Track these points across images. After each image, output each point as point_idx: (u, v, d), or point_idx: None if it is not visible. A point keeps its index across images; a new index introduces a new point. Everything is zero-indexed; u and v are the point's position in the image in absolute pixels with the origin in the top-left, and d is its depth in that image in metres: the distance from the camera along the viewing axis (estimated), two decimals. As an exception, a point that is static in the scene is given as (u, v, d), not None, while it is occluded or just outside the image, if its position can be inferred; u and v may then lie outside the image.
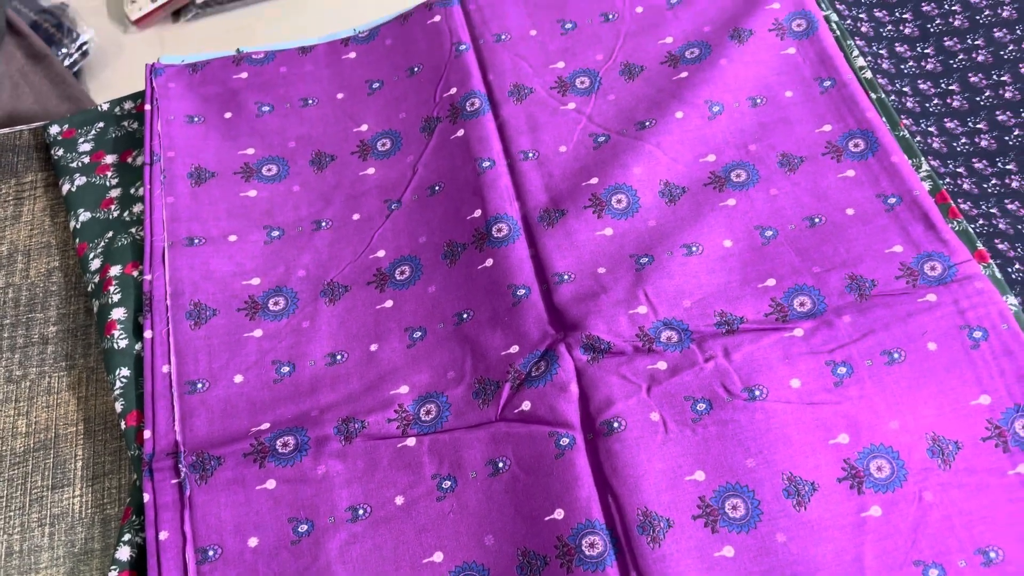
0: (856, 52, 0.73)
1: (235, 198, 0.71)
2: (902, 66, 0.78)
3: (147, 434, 0.59)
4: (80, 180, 0.74)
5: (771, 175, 0.67)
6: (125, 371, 0.62)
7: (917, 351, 0.57)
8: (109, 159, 0.75)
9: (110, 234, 0.70)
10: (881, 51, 0.79)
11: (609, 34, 0.77)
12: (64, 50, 1.37)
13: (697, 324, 0.60)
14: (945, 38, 0.79)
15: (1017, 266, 0.64)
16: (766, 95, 0.72)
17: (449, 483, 0.56)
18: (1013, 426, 0.55)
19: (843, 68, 0.71)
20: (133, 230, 0.70)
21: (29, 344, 0.68)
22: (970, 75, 0.76)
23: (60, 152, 0.76)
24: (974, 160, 0.72)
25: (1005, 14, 0.79)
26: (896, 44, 0.80)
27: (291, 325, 0.65)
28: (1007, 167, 0.70)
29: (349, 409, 0.60)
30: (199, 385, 0.62)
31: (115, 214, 0.71)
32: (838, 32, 0.74)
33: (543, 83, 0.74)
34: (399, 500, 0.56)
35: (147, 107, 0.75)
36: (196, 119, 0.75)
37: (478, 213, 0.66)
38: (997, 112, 0.74)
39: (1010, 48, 0.77)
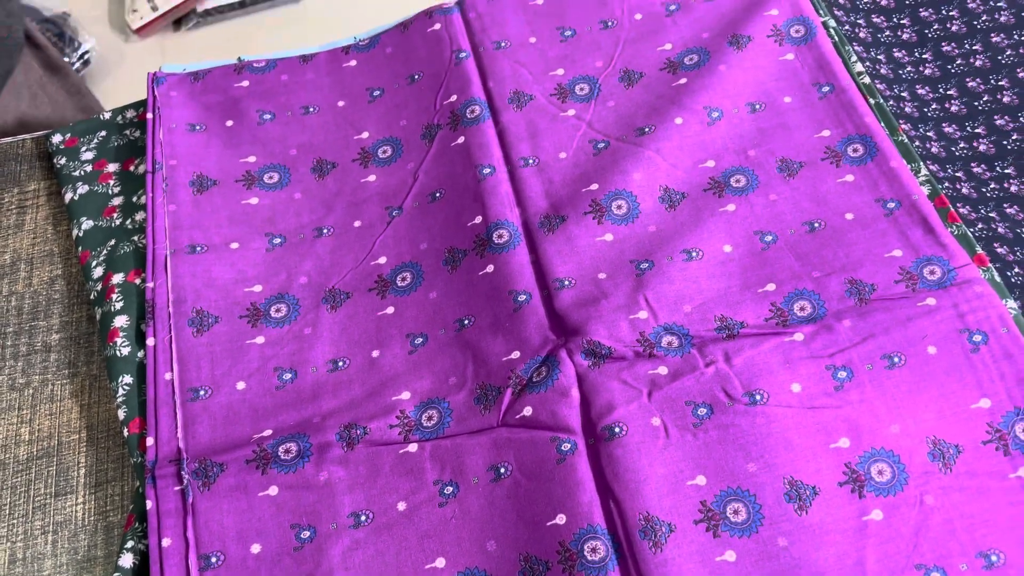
0: (854, 58, 0.74)
1: (237, 206, 0.71)
2: (900, 71, 0.78)
3: (150, 441, 0.59)
4: (82, 188, 0.74)
5: (770, 180, 0.67)
6: (128, 378, 0.63)
7: (917, 355, 0.57)
8: (111, 167, 0.75)
9: (112, 242, 0.70)
10: (879, 56, 0.79)
11: (608, 41, 0.77)
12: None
13: (698, 329, 0.60)
14: (943, 43, 0.79)
15: (1016, 270, 0.64)
16: (765, 101, 0.72)
17: (451, 489, 0.56)
18: (1013, 429, 0.55)
19: (841, 74, 0.72)
20: (135, 238, 0.70)
21: (32, 352, 0.68)
22: (968, 80, 0.77)
23: (62, 161, 0.76)
24: (973, 164, 0.72)
25: (1002, 19, 0.79)
26: (894, 49, 0.80)
27: (293, 332, 0.65)
28: (1006, 171, 0.71)
29: (351, 415, 0.60)
30: (201, 392, 0.62)
31: (117, 222, 0.72)
32: (836, 38, 0.75)
33: (543, 90, 0.75)
34: (401, 506, 0.56)
35: (149, 116, 0.75)
36: (198, 127, 0.76)
37: (479, 219, 0.67)
38: (995, 116, 0.74)
39: (1008, 53, 0.77)
